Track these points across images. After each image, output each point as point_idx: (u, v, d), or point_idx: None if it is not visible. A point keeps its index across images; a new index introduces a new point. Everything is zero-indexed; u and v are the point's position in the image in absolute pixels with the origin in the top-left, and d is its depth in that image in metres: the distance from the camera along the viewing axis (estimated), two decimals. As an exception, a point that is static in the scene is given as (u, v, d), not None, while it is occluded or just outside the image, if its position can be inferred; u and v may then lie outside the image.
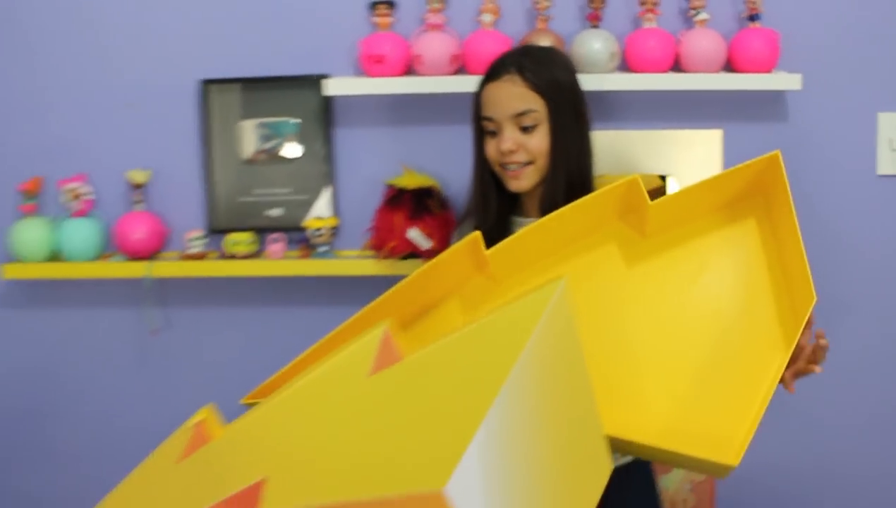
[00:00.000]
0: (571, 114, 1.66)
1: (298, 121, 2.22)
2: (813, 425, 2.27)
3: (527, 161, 1.65)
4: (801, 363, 1.43)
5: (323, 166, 2.22)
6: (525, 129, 1.63)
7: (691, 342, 1.50)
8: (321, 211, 2.23)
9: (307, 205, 2.24)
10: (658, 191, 1.70)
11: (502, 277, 1.56)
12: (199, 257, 2.21)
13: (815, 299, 1.36)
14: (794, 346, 1.37)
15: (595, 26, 2.09)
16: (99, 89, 2.30)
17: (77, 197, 2.24)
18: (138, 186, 2.24)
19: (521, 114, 1.63)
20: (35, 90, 2.32)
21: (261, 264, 2.19)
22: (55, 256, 2.28)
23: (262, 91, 2.23)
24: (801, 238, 1.40)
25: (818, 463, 2.28)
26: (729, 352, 1.47)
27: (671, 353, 1.49)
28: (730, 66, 2.11)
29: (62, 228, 2.26)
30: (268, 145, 2.25)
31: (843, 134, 2.17)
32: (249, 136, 2.24)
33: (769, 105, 2.15)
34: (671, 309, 1.53)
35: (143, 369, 2.36)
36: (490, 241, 1.49)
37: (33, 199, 2.28)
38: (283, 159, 2.24)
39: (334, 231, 2.20)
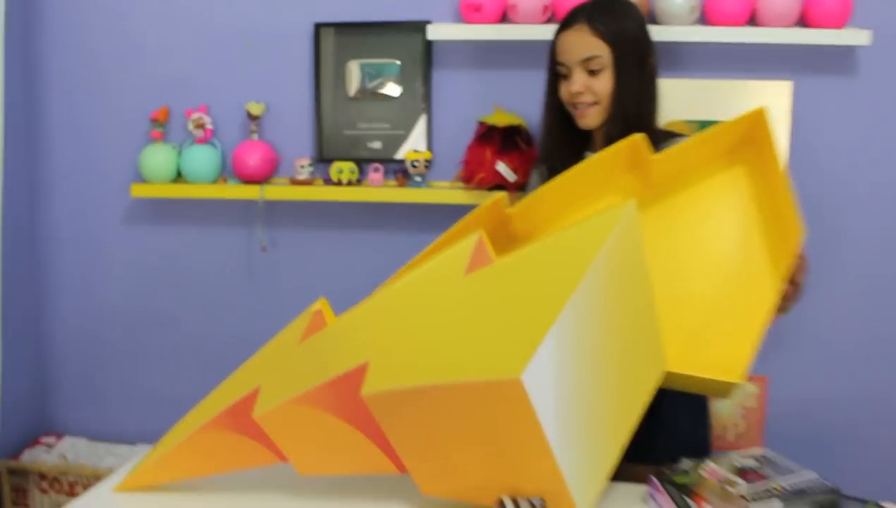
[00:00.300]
0: (635, 61, 1.79)
1: (400, 62, 2.43)
2: (852, 360, 2.41)
3: (592, 101, 1.79)
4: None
5: (421, 104, 2.42)
6: (592, 73, 1.78)
7: (696, 279, 1.67)
8: (418, 144, 2.44)
9: (405, 139, 2.44)
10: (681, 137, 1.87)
11: (528, 231, 1.75)
12: (307, 183, 2.43)
13: (803, 233, 1.52)
14: (786, 278, 1.54)
15: (678, -19, 2.25)
16: (222, 29, 2.53)
17: (199, 125, 2.48)
18: (254, 118, 2.48)
19: (588, 59, 1.77)
20: (165, 30, 2.56)
21: (361, 190, 2.39)
22: (178, 178, 2.53)
23: (368, 34, 2.43)
24: (787, 181, 1.56)
25: (858, 394, 2.41)
26: (730, 287, 1.64)
27: (679, 290, 1.65)
28: (803, 21, 2.23)
29: (185, 153, 2.50)
30: (371, 84, 2.45)
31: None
32: (355, 75, 2.45)
33: (839, 59, 2.27)
34: (676, 250, 1.70)
35: (252, 281, 2.61)
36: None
37: (161, 127, 2.52)
38: (385, 97, 2.44)
39: (429, 163, 2.39)
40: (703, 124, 2.32)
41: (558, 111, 1.86)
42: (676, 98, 2.32)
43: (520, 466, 1.38)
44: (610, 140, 1.74)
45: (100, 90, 2.62)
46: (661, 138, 1.78)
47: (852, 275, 2.37)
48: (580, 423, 1.37)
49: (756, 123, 1.68)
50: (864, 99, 2.29)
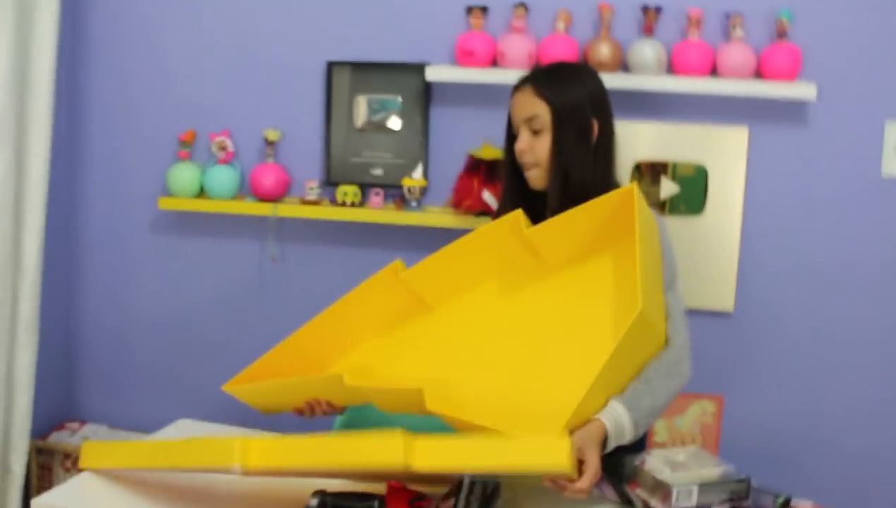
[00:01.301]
0: (576, 125, 1.85)
1: (402, 99, 2.71)
2: (810, 388, 2.63)
3: (534, 162, 1.87)
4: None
5: (419, 137, 2.70)
6: (535, 133, 1.86)
7: (543, 349, 1.79)
8: (415, 173, 2.70)
9: (404, 167, 2.71)
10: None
11: (434, 302, 1.90)
12: (315, 203, 2.71)
13: (639, 308, 1.57)
14: (618, 342, 1.56)
15: (648, 36, 2.51)
16: (245, 63, 2.82)
17: (222, 148, 2.77)
18: (270, 143, 2.76)
19: (529, 119, 1.85)
20: (194, 61, 2.86)
21: (363, 212, 2.66)
22: (201, 194, 2.80)
23: (374, 73, 2.71)
24: (639, 256, 1.62)
25: (808, 412, 2.63)
26: (567, 359, 1.74)
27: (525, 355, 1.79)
28: (759, 75, 2.49)
29: (208, 172, 2.77)
30: (376, 117, 2.73)
31: (855, 139, 2.52)
32: (362, 109, 2.73)
33: (791, 110, 2.53)
34: (540, 319, 1.82)
35: (263, 289, 2.89)
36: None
37: (188, 147, 2.81)
38: (388, 129, 2.72)
39: (423, 190, 2.66)
40: (653, 165, 2.59)
41: (513, 172, 1.94)
42: (646, 140, 2.58)
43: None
44: (554, 204, 1.85)
45: (134, 114, 2.92)
46: None
47: (802, 305, 2.60)
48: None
49: (625, 200, 1.76)
50: (814, 145, 2.54)
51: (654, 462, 1.74)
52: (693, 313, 2.59)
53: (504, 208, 1.94)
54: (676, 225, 2.58)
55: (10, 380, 2.57)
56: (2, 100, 2.43)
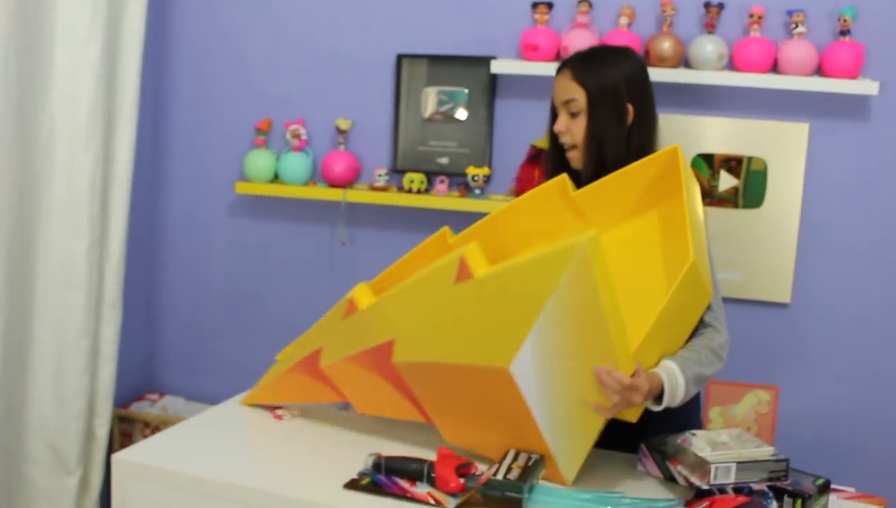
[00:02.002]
0: (611, 108, 1.91)
1: (468, 91, 2.80)
2: (864, 382, 2.65)
3: (571, 143, 1.95)
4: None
5: (484, 127, 2.79)
6: (573, 115, 1.93)
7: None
8: (480, 161, 2.80)
9: (469, 157, 2.81)
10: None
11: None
12: (383, 189, 2.82)
13: (691, 259, 1.65)
14: (670, 294, 1.64)
15: (710, 32, 2.56)
16: (319, 55, 2.94)
17: (296, 136, 2.90)
18: (342, 131, 2.88)
19: (567, 102, 1.93)
20: (271, 55, 3.00)
21: (429, 198, 2.76)
22: (275, 179, 2.94)
23: (443, 65, 2.81)
24: (688, 213, 1.69)
25: (864, 404, 2.66)
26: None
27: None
28: (821, 71, 2.52)
29: (283, 158, 2.91)
30: (443, 108, 2.83)
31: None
32: (430, 100, 2.84)
33: (852, 106, 2.55)
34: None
35: (332, 272, 3.01)
36: None
37: (264, 135, 2.95)
38: (454, 120, 2.82)
39: (487, 178, 2.75)
40: (706, 158, 2.63)
41: (556, 152, 2.02)
42: (706, 134, 2.63)
43: (514, 431, 1.73)
44: (585, 181, 1.92)
45: (213, 105, 3.07)
46: None
47: (858, 298, 2.63)
48: (560, 404, 1.69)
49: (671, 160, 1.82)
50: (875, 142, 2.57)
51: (697, 442, 1.80)
52: (751, 304, 2.69)
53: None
54: (736, 217, 2.64)
55: (95, 352, 2.73)
56: (93, 95, 2.59)
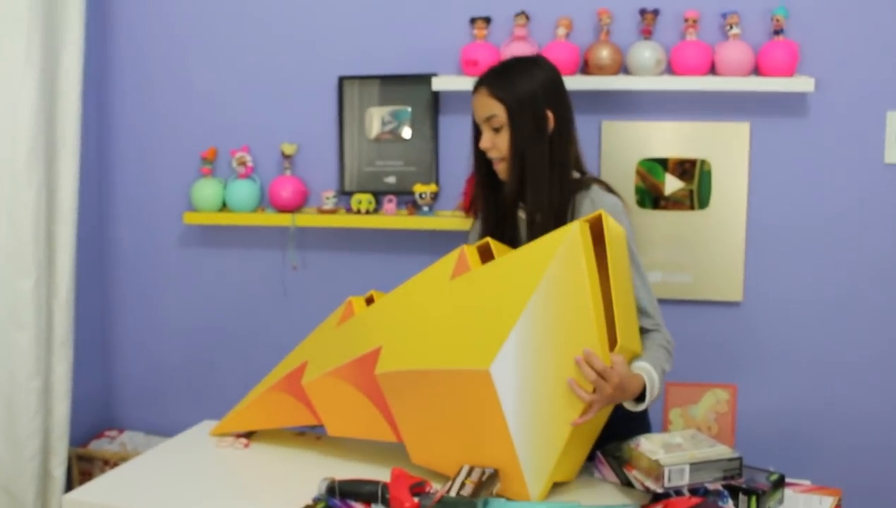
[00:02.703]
0: (531, 118, 1.93)
1: (411, 109, 2.80)
2: (820, 374, 2.68)
3: (499, 157, 1.97)
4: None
5: (429, 144, 2.79)
6: (496, 130, 1.96)
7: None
8: (426, 179, 2.79)
9: (416, 174, 2.80)
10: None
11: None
12: (331, 212, 2.81)
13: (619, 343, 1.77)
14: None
15: (647, 38, 2.58)
16: (260, 81, 2.93)
17: (242, 163, 2.87)
18: (287, 156, 2.86)
19: (488, 119, 1.95)
20: (212, 81, 2.98)
21: (377, 218, 2.75)
22: (223, 208, 2.91)
23: (385, 85, 2.81)
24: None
25: (821, 401, 2.69)
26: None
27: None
28: (758, 71, 2.55)
29: (230, 187, 2.88)
30: (388, 128, 2.83)
31: (855, 129, 2.58)
32: (375, 120, 2.83)
33: (790, 103, 2.59)
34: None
35: (285, 297, 2.99)
36: (502, 221, 2.03)
37: (210, 164, 2.92)
38: (400, 139, 2.82)
39: (435, 195, 2.75)
40: (661, 162, 2.65)
41: (482, 165, 2.04)
42: (652, 138, 2.66)
43: (486, 443, 1.75)
44: (509, 191, 1.98)
45: (159, 134, 3.04)
46: (577, 187, 1.99)
47: (809, 293, 2.66)
48: (533, 413, 1.71)
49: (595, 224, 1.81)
50: (815, 137, 2.60)
51: (650, 445, 1.80)
52: (704, 304, 2.71)
53: (477, 200, 2.12)
54: (684, 219, 2.67)
55: (48, 391, 2.69)
56: (32, 130, 2.56)
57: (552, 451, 1.73)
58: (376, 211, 2.80)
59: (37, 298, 2.59)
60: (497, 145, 1.97)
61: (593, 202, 1.98)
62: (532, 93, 1.95)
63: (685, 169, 2.65)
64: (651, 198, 2.67)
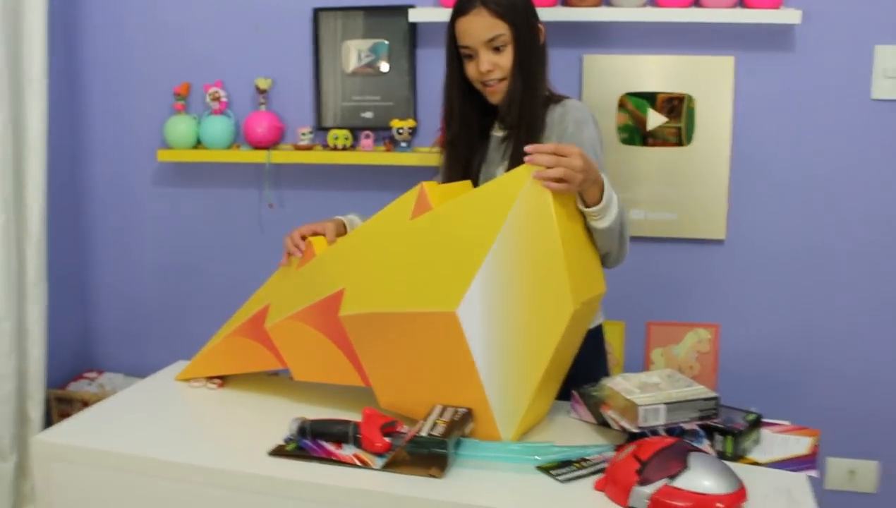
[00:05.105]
0: (529, 31, 1.94)
1: (388, 42, 2.73)
2: (803, 315, 2.66)
3: (501, 77, 1.94)
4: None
5: (406, 78, 2.73)
6: (496, 50, 1.91)
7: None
8: (404, 114, 2.74)
9: (393, 109, 2.75)
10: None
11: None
12: (307, 148, 2.75)
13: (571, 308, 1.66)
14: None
15: (630, -32, 2.51)
16: (234, 15, 2.85)
17: (216, 98, 2.81)
18: (262, 91, 2.80)
19: (492, 39, 1.90)
20: (185, 15, 2.89)
21: (354, 155, 2.70)
22: (198, 145, 2.86)
23: (361, 17, 2.73)
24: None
25: (806, 347, 2.67)
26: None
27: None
28: (743, 3, 2.48)
29: (203, 123, 2.82)
30: (366, 62, 2.76)
31: (843, 63, 2.52)
32: (351, 54, 2.76)
33: (776, 36, 2.52)
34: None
35: (262, 235, 2.95)
36: (471, 150, 2.01)
37: (183, 99, 2.86)
38: (377, 73, 2.75)
39: (413, 130, 2.70)
40: (648, 95, 2.59)
41: (464, 92, 2.00)
42: (633, 72, 2.60)
43: (455, 386, 1.70)
44: (511, 111, 1.94)
45: (131, 69, 2.97)
46: (551, 101, 1.98)
47: (794, 230, 2.62)
48: (503, 356, 1.67)
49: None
50: (801, 72, 2.54)
51: (627, 384, 1.78)
52: (687, 242, 2.68)
53: (457, 133, 2.04)
54: (667, 156, 2.62)
55: (22, 333, 2.66)
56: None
57: (523, 394, 1.70)
58: (353, 147, 2.74)
59: (6, 237, 2.54)
60: (500, 65, 1.93)
61: (565, 111, 1.97)
62: (526, 7, 1.95)
63: (673, 105, 2.59)
64: (638, 134, 2.62)
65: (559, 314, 1.68)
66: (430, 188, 1.82)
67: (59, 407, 2.95)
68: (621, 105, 2.62)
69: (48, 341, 2.77)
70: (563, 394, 1.87)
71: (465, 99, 2.02)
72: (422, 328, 1.69)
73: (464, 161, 2.06)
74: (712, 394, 1.73)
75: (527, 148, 1.64)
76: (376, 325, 1.77)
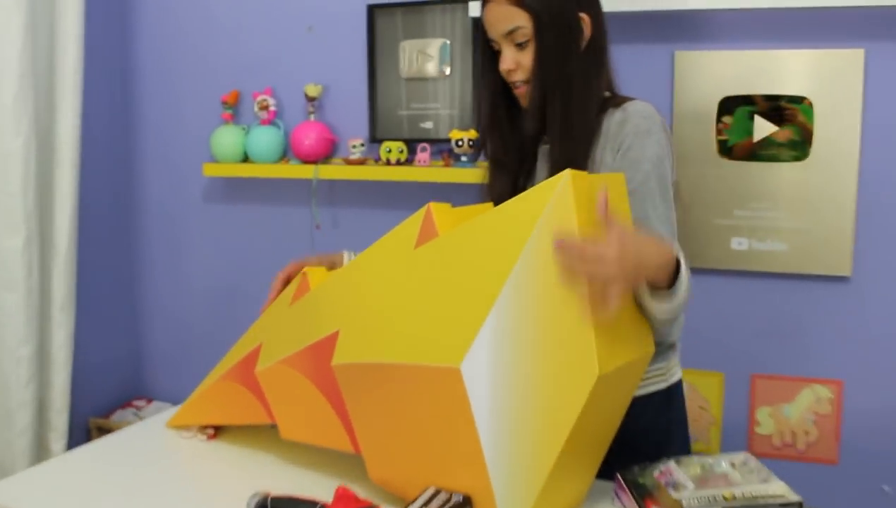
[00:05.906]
0: (560, 30, 1.60)
1: (448, 41, 2.41)
2: None
3: (524, 79, 1.62)
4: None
5: (470, 83, 2.40)
6: (519, 46, 1.60)
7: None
8: (467, 123, 2.41)
9: (454, 119, 2.44)
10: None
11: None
12: (359, 162, 2.47)
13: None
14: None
15: (731, -55, 2.12)
16: (284, 16, 2.63)
17: (264, 107, 2.58)
18: (311, 99, 2.54)
19: (511, 32, 1.60)
20: (234, 18, 2.70)
21: (409, 170, 2.40)
22: (245, 158, 2.63)
23: (418, 14, 2.44)
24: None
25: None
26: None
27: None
28: (875, -16, 2.07)
29: (251, 134, 2.60)
30: (425, 64, 2.45)
31: None
32: (409, 56, 2.46)
33: (919, 24, 2.08)
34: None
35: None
36: (520, 164, 1.67)
37: (231, 109, 2.65)
38: (436, 77, 2.44)
39: (474, 142, 2.37)
40: (754, 99, 2.19)
41: (497, 94, 1.69)
42: (735, 72, 2.22)
43: (453, 460, 1.39)
44: (532, 114, 1.61)
45: (180, 77, 2.81)
46: (609, 105, 1.62)
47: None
48: (510, 422, 1.33)
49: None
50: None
51: (679, 474, 1.39)
52: (803, 279, 2.28)
53: (491, 141, 1.72)
54: (777, 174, 2.21)
55: (45, 359, 2.50)
56: (18, 68, 2.31)
57: (535, 477, 1.33)
58: (409, 161, 2.44)
59: (27, 257, 2.36)
60: (523, 64, 1.60)
61: (625, 117, 1.58)
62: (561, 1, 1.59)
63: (785, 111, 2.21)
64: (742, 146, 2.25)
65: (582, 380, 1.30)
66: (438, 210, 1.49)
67: (101, 437, 2.78)
68: (721, 110, 2.24)
69: (79, 367, 2.61)
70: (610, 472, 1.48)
71: (497, 102, 1.68)
72: (419, 385, 1.38)
73: (507, 177, 1.71)
74: (795, 498, 1.31)
75: (555, 242, 1.27)
76: (371, 378, 1.46)
